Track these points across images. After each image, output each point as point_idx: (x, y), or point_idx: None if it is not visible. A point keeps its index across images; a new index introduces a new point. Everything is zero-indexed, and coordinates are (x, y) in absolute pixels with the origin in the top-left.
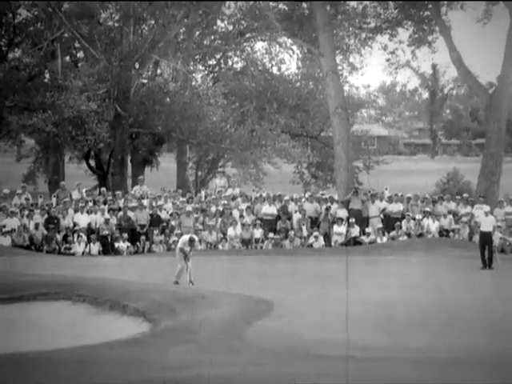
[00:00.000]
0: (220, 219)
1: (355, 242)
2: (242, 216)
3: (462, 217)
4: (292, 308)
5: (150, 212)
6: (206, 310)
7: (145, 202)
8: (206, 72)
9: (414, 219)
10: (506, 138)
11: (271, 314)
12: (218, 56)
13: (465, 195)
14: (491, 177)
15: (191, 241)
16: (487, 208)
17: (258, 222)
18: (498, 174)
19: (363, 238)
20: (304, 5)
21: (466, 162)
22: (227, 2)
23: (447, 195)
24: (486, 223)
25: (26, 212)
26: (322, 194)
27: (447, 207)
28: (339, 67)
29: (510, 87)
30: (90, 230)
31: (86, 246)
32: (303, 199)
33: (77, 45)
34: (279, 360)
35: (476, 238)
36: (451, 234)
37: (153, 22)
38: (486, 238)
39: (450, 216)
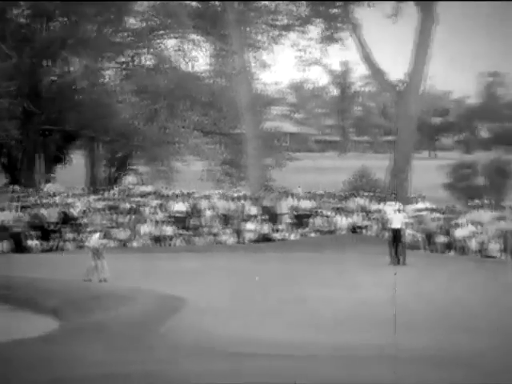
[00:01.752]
0: (131, 216)
1: (266, 238)
2: (153, 213)
3: (372, 213)
4: (204, 305)
5: (62, 209)
6: (119, 307)
7: (56, 199)
8: (119, 69)
9: (325, 216)
10: (415, 134)
11: (184, 310)
12: (130, 53)
13: (376, 191)
14: (401, 174)
15: (103, 234)
16: (397, 205)
17: (170, 219)
18: (408, 170)
19: (275, 234)
20: (216, 2)
21: (376, 158)
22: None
23: (358, 192)
24: (397, 220)
25: None
26: (236, 191)
27: (358, 204)
28: (251, 64)
29: (419, 84)
30: (2, 227)
31: None
32: (215, 196)
33: None
34: (192, 357)
35: (387, 234)
36: (362, 230)
37: (65, 19)
38: (396, 235)
39: (362, 213)
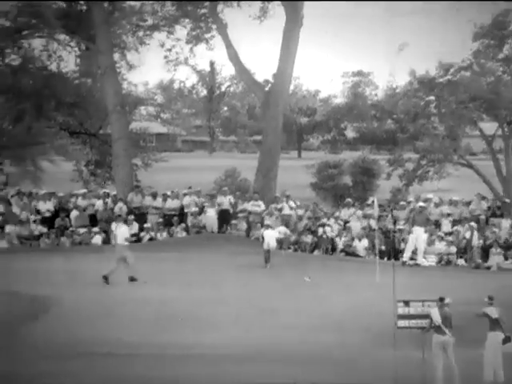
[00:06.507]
0: None
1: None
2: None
3: (239, 213)
4: (68, 307)
5: None
6: None
7: None
8: None
9: (194, 215)
10: (282, 134)
11: (50, 312)
12: None
13: (241, 191)
14: (268, 173)
15: None
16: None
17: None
18: (275, 170)
19: (143, 234)
20: (81, 2)
21: (243, 158)
22: None
23: (225, 189)
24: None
25: None
26: (102, 191)
27: (227, 203)
28: (117, 65)
29: (285, 84)
30: None
31: None
32: (81, 196)
33: None
34: (52, 358)
35: (254, 233)
36: (231, 229)
37: None
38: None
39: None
